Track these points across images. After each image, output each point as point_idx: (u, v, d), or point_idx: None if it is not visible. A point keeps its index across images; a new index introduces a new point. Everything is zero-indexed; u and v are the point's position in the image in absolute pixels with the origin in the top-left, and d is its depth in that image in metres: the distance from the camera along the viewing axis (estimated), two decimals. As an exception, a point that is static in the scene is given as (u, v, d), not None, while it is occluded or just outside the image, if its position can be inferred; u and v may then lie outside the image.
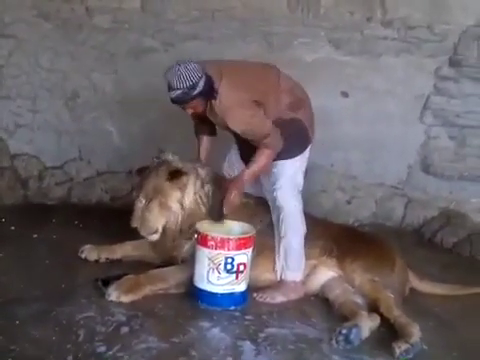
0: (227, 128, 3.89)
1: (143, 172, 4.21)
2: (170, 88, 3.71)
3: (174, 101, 3.77)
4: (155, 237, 4.10)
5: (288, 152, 3.94)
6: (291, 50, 5.45)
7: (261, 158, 3.86)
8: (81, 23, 5.60)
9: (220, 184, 4.07)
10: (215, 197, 4.06)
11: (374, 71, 5.44)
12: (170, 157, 4.16)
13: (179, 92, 3.69)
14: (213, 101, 3.76)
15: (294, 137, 3.95)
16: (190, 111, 3.87)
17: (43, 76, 5.68)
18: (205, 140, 4.28)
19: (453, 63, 5.31)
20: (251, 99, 3.80)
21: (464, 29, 5.25)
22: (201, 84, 3.68)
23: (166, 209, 4.05)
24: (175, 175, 4.03)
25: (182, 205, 4.07)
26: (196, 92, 3.69)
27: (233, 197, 3.87)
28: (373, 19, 5.37)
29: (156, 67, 5.43)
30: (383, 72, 5.43)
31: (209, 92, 3.73)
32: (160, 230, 4.08)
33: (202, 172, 4.16)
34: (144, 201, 4.06)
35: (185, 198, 4.06)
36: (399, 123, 5.47)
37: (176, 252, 4.13)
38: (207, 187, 4.13)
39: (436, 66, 5.36)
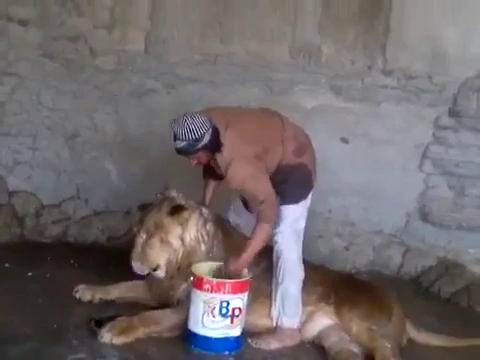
0: None
1: (145, 208, 4.20)
2: (176, 138, 3.72)
3: (179, 151, 3.78)
4: (160, 274, 4.05)
5: (293, 197, 3.94)
6: (291, 96, 5.48)
7: (259, 235, 3.82)
8: (85, 64, 5.63)
9: (221, 226, 4.11)
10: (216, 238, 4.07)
11: (374, 119, 5.46)
12: (174, 193, 4.15)
13: (184, 144, 3.70)
14: (217, 154, 3.77)
15: (300, 182, 3.96)
16: (194, 162, 3.86)
17: (45, 114, 5.69)
18: (211, 184, 4.29)
19: (452, 113, 5.35)
20: (255, 152, 3.78)
21: (464, 80, 5.29)
22: (207, 137, 3.70)
23: (167, 245, 4.02)
24: (176, 210, 4.01)
25: (183, 241, 4.03)
26: (201, 145, 3.71)
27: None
28: (374, 68, 5.42)
29: (158, 109, 5.54)
30: (383, 120, 5.46)
31: (214, 145, 3.74)
32: (162, 267, 4.04)
33: (205, 211, 4.15)
34: (145, 236, 4.04)
35: (186, 234, 4.03)
36: (398, 171, 5.47)
37: (172, 291, 4.08)
38: (209, 225, 4.11)
39: (435, 116, 5.39)
